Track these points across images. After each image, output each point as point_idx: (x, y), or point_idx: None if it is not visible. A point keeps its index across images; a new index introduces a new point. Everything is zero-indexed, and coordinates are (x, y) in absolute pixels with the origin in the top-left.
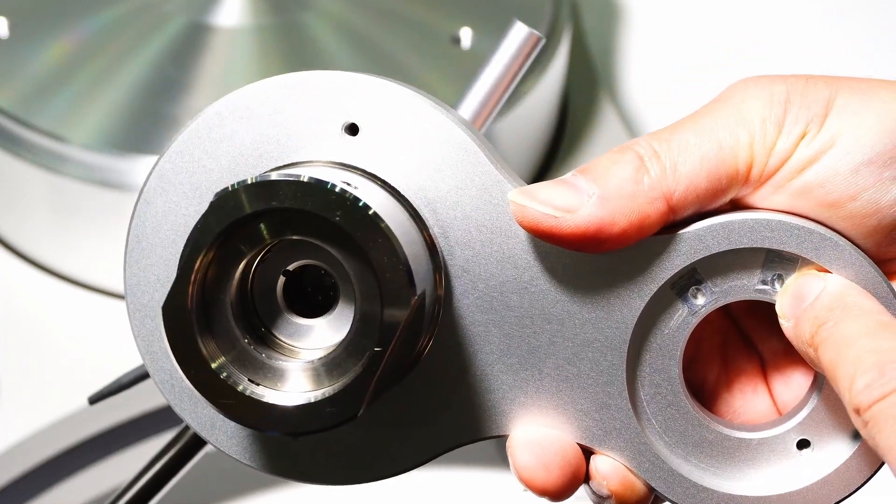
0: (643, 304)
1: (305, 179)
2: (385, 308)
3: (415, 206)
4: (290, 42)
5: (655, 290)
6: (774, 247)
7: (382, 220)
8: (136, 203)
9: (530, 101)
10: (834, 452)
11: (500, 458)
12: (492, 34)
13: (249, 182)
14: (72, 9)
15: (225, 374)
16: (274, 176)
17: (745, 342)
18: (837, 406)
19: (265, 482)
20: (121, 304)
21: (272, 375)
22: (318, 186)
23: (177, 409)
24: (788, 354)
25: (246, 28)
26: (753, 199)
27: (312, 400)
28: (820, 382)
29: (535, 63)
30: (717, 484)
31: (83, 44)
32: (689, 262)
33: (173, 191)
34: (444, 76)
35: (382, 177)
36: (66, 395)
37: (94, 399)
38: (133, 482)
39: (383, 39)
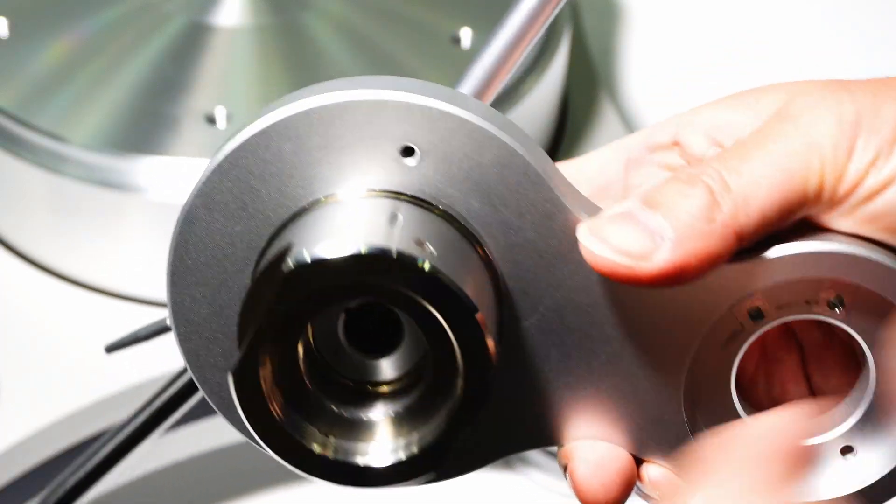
0: (704, 330)
1: (364, 251)
2: (465, 373)
3: (475, 231)
4: (290, 42)
5: (717, 317)
6: (853, 280)
7: (454, 284)
8: (179, 223)
9: (530, 101)
10: (878, 459)
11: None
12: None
13: (309, 261)
14: (72, 9)
15: (315, 445)
16: (331, 253)
17: (785, 333)
18: (887, 414)
19: (265, 482)
20: (121, 304)
21: (352, 429)
22: (383, 258)
23: (228, 420)
24: (829, 347)
25: (246, 28)
26: (820, 218)
27: (403, 458)
28: (868, 388)
29: (535, 63)
30: None
31: (83, 44)
32: (755, 289)
33: (218, 210)
34: (444, 76)
35: (441, 202)
36: (66, 395)
37: (111, 348)
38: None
39: (383, 39)
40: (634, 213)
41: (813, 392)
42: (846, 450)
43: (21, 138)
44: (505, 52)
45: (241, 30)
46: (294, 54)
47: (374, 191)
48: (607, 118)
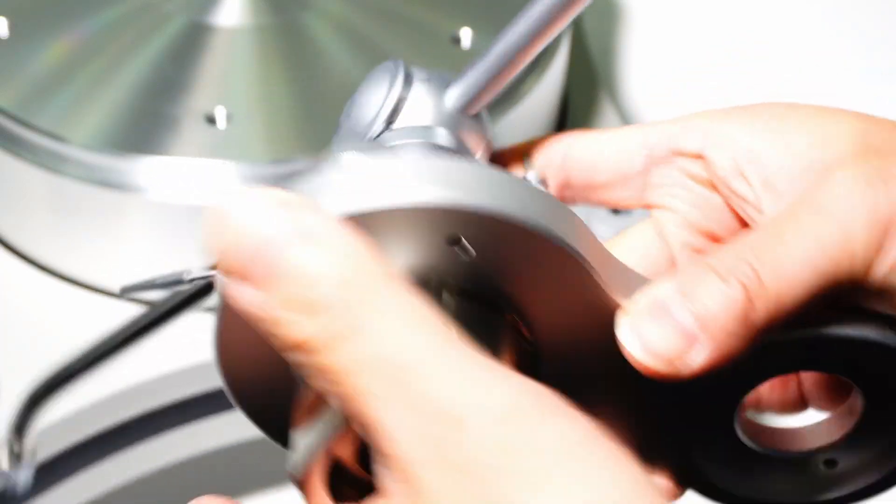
0: (717, 397)
1: None
2: None
3: (517, 316)
4: (290, 42)
5: (731, 391)
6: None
7: None
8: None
9: (530, 101)
10: (857, 474)
11: None
12: (492, 34)
13: None
14: (72, 9)
15: None
16: None
17: None
18: (870, 440)
19: (265, 482)
20: (121, 304)
21: None
22: None
23: (269, 435)
24: None
25: (246, 28)
26: (849, 296)
27: None
28: (859, 409)
29: (535, 63)
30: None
31: (83, 44)
32: (770, 368)
33: None
34: None
35: (484, 291)
36: (65, 394)
37: (126, 290)
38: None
39: (383, 39)
40: (671, 307)
41: (804, 398)
42: (829, 462)
43: (21, 138)
44: (507, 58)
45: (241, 30)
46: (294, 54)
47: (420, 278)
48: (607, 118)
